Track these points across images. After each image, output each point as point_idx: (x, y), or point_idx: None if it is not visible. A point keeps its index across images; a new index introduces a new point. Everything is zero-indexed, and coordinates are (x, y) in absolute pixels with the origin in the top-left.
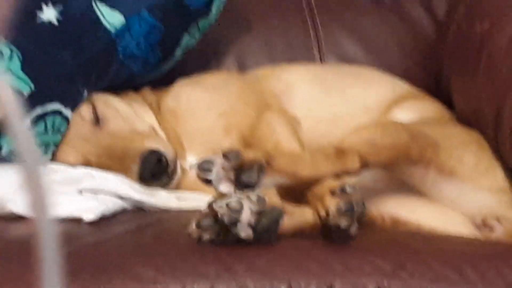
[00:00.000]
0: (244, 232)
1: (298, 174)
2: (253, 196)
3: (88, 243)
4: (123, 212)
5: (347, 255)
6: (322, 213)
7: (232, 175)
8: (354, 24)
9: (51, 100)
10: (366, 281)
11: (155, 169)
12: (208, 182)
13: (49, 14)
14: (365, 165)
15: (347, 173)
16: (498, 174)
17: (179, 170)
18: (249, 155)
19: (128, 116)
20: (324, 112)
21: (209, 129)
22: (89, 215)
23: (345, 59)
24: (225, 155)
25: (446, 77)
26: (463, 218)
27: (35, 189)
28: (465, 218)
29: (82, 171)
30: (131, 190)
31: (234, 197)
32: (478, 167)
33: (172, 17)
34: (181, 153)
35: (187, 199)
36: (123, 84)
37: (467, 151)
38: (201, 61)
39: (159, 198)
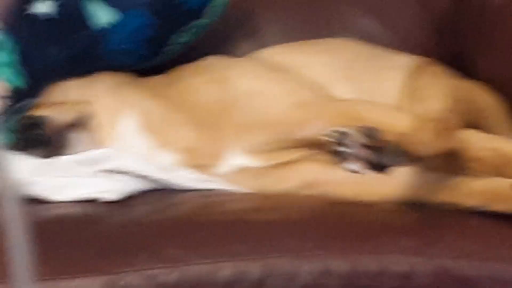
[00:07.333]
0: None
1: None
2: (364, 130)
3: (113, 224)
4: (146, 192)
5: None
6: None
7: (367, 153)
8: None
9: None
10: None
11: (30, 135)
12: (337, 154)
13: (42, 8)
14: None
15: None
16: None
17: (69, 143)
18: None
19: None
20: None
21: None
22: (111, 195)
23: (363, 35)
24: (362, 131)
25: (468, 52)
26: None
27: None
28: None
29: (101, 151)
30: (151, 169)
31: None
32: None
33: (166, 14)
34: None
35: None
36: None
37: None
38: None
39: (179, 176)
